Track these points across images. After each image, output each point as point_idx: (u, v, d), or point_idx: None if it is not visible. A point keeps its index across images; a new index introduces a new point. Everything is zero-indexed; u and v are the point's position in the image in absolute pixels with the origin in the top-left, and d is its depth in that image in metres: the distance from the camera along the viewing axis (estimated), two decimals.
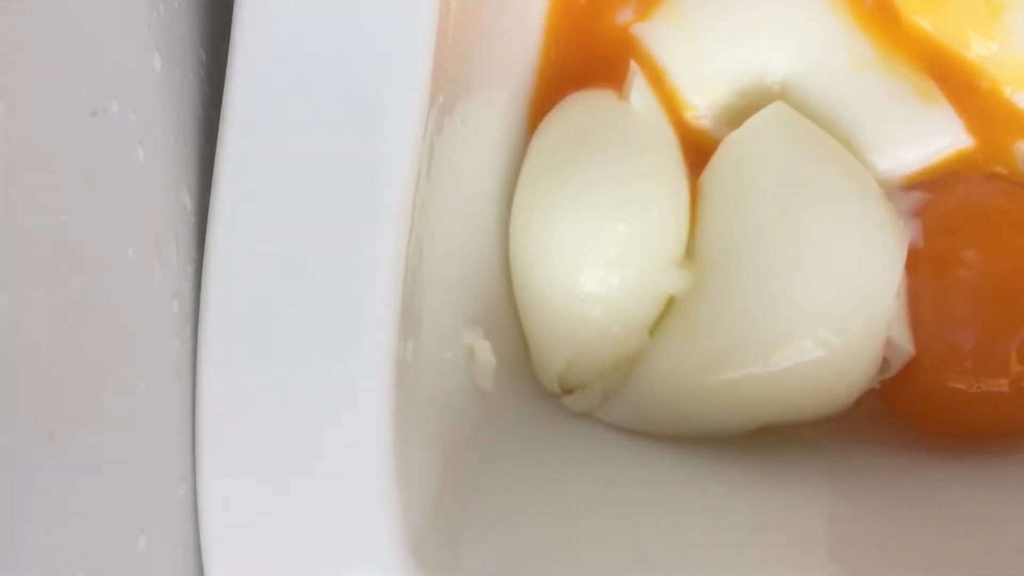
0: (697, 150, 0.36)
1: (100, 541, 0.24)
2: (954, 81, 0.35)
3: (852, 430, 0.35)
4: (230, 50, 0.27)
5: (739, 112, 0.35)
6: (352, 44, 0.27)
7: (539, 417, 0.35)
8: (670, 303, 0.35)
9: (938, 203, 0.35)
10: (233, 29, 0.27)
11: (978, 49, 0.35)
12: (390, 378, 0.27)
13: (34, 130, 0.22)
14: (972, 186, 0.35)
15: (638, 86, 0.35)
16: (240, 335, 0.27)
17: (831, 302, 0.33)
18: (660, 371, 0.34)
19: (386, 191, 0.27)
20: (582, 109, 0.36)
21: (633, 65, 0.36)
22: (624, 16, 0.36)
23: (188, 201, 0.28)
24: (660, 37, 0.36)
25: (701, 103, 0.36)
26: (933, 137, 0.35)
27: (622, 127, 0.35)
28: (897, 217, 0.34)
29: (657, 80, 0.36)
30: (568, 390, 0.36)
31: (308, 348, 0.27)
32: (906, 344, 0.34)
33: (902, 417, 0.35)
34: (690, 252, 0.34)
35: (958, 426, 0.34)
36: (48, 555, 0.22)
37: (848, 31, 0.35)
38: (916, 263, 0.34)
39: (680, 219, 0.34)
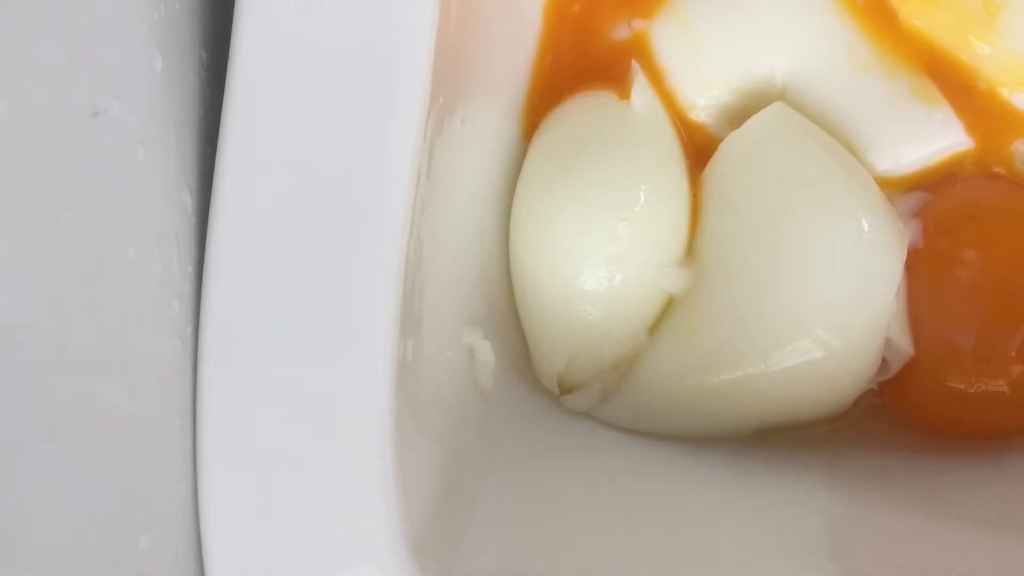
0: (698, 149, 0.36)
1: (100, 541, 0.24)
2: (952, 82, 0.35)
3: (852, 430, 0.35)
4: (231, 51, 0.27)
5: (739, 112, 0.35)
6: (352, 45, 0.27)
7: (539, 417, 0.35)
8: (670, 303, 0.35)
9: (937, 203, 0.35)
10: (234, 30, 0.27)
11: (976, 50, 0.35)
12: (390, 378, 0.27)
13: (35, 130, 0.22)
14: (971, 186, 0.35)
15: (639, 86, 0.35)
16: (240, 335, 0.27)
17: (830, 302, 0.33)
18: (660, 371, 0.34)
19: (386, 192, 0.28)
20: (583, 110, 0.36)
21: (634, 65, 0.36)
22: (624, 17, 0.36)
23: (188, 201, 0.28)
24: (661, 37, 0.36)
25: (702, 102, 0.36)
26: (932, 138, 0.35)
27: (623, 127, 0.35)
28: (897, 217, 0.34)
29: (658, 80, 0.36)
30: (568, 390, 0.36)
31: (308, 348, 0.27)
32: (905, 344, 0.34)
33: (902, 417, 0.35)
34: (690, 251, 0.34)
35: (958, 426, 0.34)
36: (49, 554, 0.22)
37: (848, 32, 0.35)
38: (916, 263, 0.34)
39: (680, 218, 0.34)
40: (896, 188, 0.35)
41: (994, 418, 0.34)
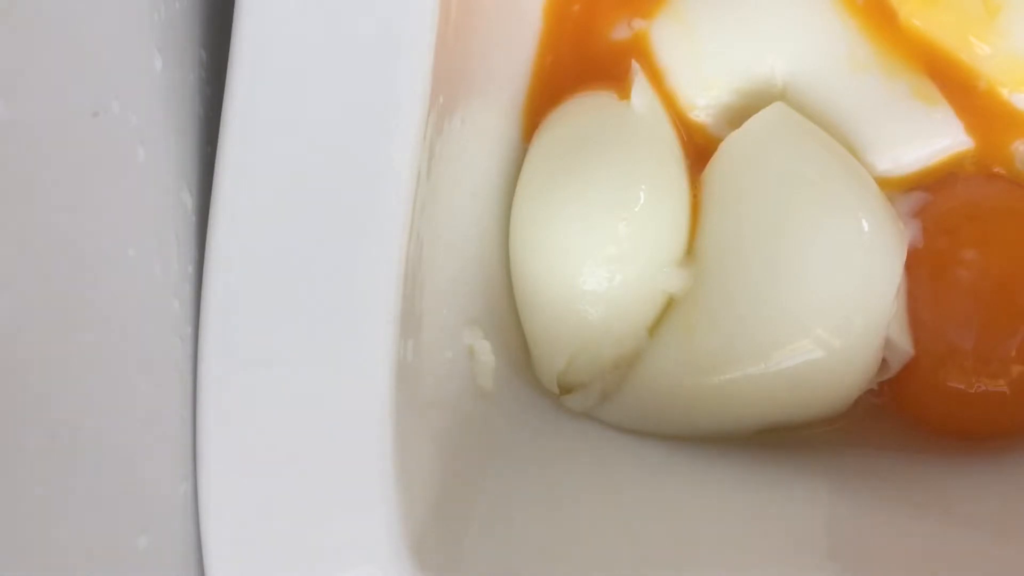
0: (698, 149, 0.36)
1: (101, 541, 0.24)
2: (952, 82, 0.35)
3: (852, 430, 0.35)
4: (231, 50, 0.27)
5: (739, 112, 0.35)
6: (353, 45, 0.27)
7: (539, 417, 0.35)
8: (670, 303, 0.35)
9: (937, 203, 0.35)
10: (234, 30, 0.27)
11: (976, 50, 0.35)
12: (390, 378, 0.27)
13: (35, 130, 0.22)
14: (971, 186, 0.35)
15: (639, 86, 0.35)
16: (240, 335, 0.27)
17: (830, 302, 0.33)
18: (660, 371, 0.34)
19: (386, 191, 0.28)
20: (583, 110, 0.36)
21: (634, 65, 0.36)
22: (624, 17, 0.36)
23: (188, 201, 0.28)
24: (661, 37, 0.36)
25: (702, 102, 0.36)
26: (932, 137, 0.35)
27: (623, 127, 0.35)
28: (896, 217, 0.34)
29: (658, 80, 0.36)
30: (568, 390, 0.36)
31: (308, 348, 0.27)
32: (905, 344, 0.34)
33: (902, 417, 0.35)
34: (690, 251, 0.34)
35: (958, 426, 0.34)
36: (49, 554, 0.22)
37: (848, 32, 0.35)
38: (915, 263, 0.34)
39: (680, 218, 0.34)
40: (896, 188, 0.35)
41: (994, 418, 0.34)
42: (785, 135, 0.34)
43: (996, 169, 0.35)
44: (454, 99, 0.32)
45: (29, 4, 0.22)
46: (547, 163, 0.35)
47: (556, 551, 0.30)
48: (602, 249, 0.33)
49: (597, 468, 0.34)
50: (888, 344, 0.34)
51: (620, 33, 0.37)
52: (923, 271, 0.34)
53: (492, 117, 0.36)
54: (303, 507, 0.27)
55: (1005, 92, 0.35)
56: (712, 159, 0.35)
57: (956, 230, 0.34)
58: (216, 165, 0.27)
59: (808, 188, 0.33)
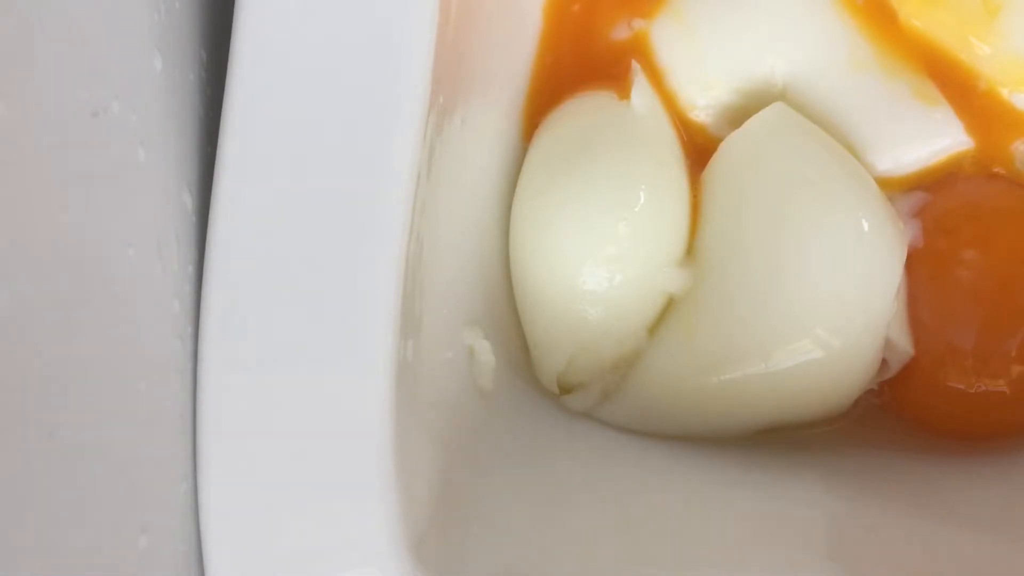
0: (698, 149, 0.36)
1: (101, 540, 0.24)
2: (952, 82, 0.35)
3: (851, 431, 0.35)
4: (230, 50, 0.27)
5: (740, 111, 0.35)
6: (353, 45, 0.27)
7: (539, 417, 0.35)
8: (670, 303, 0.35)
9: (937, 203, 0.35)
10: (234, 29, 0.27)
11: (976, 50, 0.35)
12: (390, 378, 0.27)
13: (34, 130, 0.22)
14: (971, 186, 0.35)
15: (639, 86, 0.35)
16: (240, 335, 0.27)
17: (830, 303, 0.33)
18: (659, 371, 0.34)
19: (386, 192, 0.28)
20: (583, 110, 0.36)
21: (635, 64, 0.36)
22: (624, 17, 0.37)
23: (188, 201, 0.28)
24: (661, 37, 0.36)
25: (702, 102, 0.36)
26: (933, 138, 0.35)
27: (623, 127, 0.35)
28: (896, 218, 0.34)
29: (657, 80, 0.36)
30: (568, 390, 0.36)
31: (308, 348, 0.27)
32: (905, 345, 0.34)
33: (902, 417, 0.35)
34: (690, 251, 0.35)
35: (958, 426, 0.34)
36: (49, 554, 0.22)
37: (848, 32, 0.35)
38: (915, 264, 0.34)
39: (680, 218, 0.34)
40: (896, 188, 0.35)
41: (994, 418, 0.34)
42: (785, 135, 0.34)
43: (996, 169, 0.35)
44: (454, 99, 0.32)
45: (29, 4, 0.22)
46: (547, 163, 0.35)
47: (556, 551, 0.30)
48: (602, 249, 0.33)
49: (597, 468, 0.34)
50: (888, 344, 0.34)
51: (620, 33, 0.37)
52: (923, 271, 0.34)
53: (492, 117, 0.36)
54: (303, 507, 0.27)
55: (1005, 92, 0.35)
56: (712, 159, 0.35)
57: (956, 230, 0.34)
58: (216, 165, 0.27)
59: (808, 188, 0.33)
